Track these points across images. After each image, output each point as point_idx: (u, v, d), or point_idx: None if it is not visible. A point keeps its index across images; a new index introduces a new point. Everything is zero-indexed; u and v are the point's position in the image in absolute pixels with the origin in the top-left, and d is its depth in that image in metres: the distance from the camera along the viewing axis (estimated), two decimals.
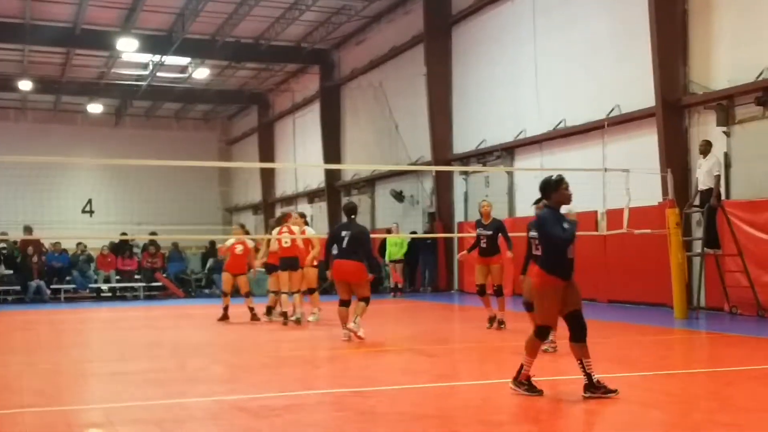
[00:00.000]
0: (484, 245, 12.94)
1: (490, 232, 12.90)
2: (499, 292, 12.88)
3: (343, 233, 11.74)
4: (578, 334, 7.00)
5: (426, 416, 6.23)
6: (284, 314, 14.45)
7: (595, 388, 6.79)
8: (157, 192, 35.19)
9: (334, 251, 11.73)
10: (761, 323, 13.35)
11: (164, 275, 26.01)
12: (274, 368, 9.39)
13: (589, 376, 6.86)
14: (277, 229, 14.71)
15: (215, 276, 26.08)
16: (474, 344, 11.64)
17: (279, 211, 36.79)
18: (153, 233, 25.23)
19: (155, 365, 9.79)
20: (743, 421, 6.00)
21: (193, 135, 41.34)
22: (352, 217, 12.13)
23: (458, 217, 23.58)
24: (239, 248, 15.54)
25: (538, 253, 7.41)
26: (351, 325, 11.48)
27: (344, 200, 29.70)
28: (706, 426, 5.98)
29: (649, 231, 15.12)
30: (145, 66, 31.17)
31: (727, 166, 15.19)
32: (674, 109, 15.96)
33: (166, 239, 28.24)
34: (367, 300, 11.63)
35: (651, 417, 6.40)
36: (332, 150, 30.86)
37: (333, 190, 31.13)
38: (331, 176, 31.08)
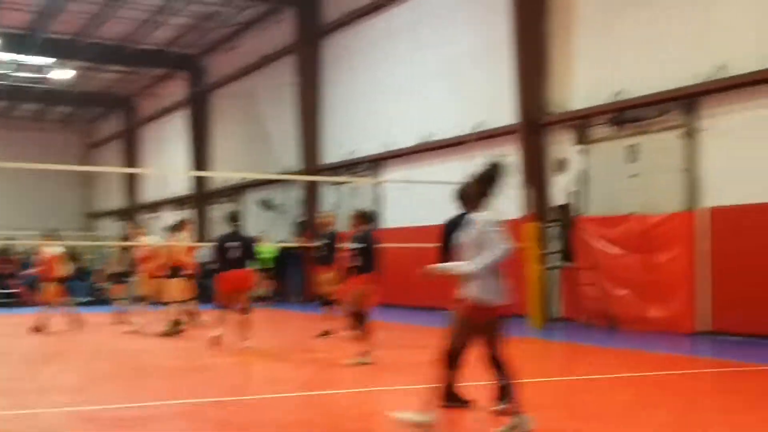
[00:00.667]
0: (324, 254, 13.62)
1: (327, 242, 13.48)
2: (332, 302, 13.29)
3: (234, 243, 11.81)
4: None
5: (287, 425, 6.21)
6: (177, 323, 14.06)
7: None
8: (15, 195, 33.65)
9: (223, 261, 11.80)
10: (611, 334, 13.99)
11: (19, 281, 24.88)
12: (132, 378, 9.15)
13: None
14: (183, 235, 14.47)
15: (74, 283, 25.14)
16: (339, 353, 11.68)
17: (143, 218, 35.90)
18: (9, 238, 24.05)
19: (3, 375, 9.35)
20: (588, 428, 6.27)
21: (53, 137, 39.73)
22: (238, 224, 12.31)
23: None
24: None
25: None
26: (247, 342, 11.55)
27: (213, 208, 29.31)
28: None
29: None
30: (3, 65, 29.80)
31: (583, 183, 15.87)
32: (534, 127, 16.56)
33: (24, 244, 27.03)
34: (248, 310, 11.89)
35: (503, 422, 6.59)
36: (200, 157, 30.38)
37: (201, 197, 30.62)
38: (200, 183, 30.59)
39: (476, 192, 5.98)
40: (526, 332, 14.37)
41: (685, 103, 13.91)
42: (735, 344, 12.35)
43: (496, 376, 5.94)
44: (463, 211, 6.91)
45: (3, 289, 24.49)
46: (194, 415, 6.99)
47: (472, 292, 5.77)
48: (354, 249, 10.11)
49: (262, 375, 9.62)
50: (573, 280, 15.71)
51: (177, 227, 14.97)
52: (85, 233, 38.96)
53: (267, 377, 9.28)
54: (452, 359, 5.96)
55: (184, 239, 14.62)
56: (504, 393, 6.10)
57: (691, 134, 13.90)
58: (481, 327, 5.84)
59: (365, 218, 10.51)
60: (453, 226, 7.00)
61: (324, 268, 13.49)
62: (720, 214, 13.38)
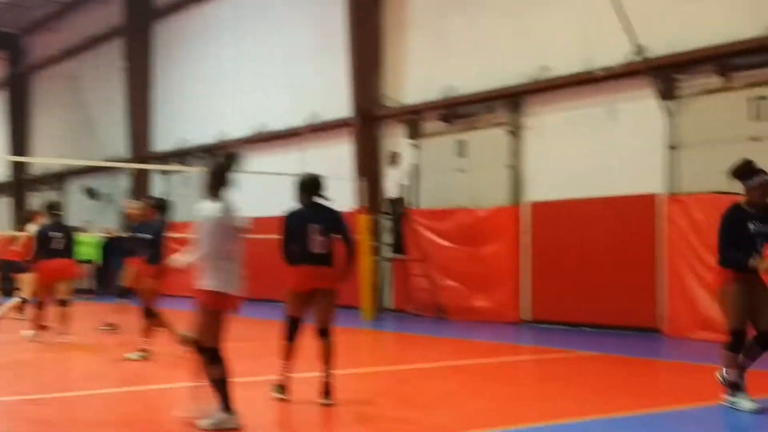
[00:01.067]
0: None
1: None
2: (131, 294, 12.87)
3: (58, 233, 11.25)
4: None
5: (105, 423, 5.97)
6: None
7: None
8: None
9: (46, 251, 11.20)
10: (440, 324, 14.37)
11: None
12: None
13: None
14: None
15: None
16: (160, 347, 11.36)
17: None
18: None
19: None
20: (413, 416, 6.40)
21: None
22: (59, 214, 11.72)
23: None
24: None
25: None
26: (68, 337, 11.10)
27: (33, 196, 27.80)
28: (381, 421, 6.31)
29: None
30: None
31: (415, 176, 16.20)
32: (368, 120, 16.74)
33: None
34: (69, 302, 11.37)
35: (336, 414, 6.63)
36: (19, 141, 28.75)
37: (19, 184, 28.99)
38: (18, 169, 28.95)
39: (210, 183, 6.04)
40: (357, 323, 14.53)
41: (511, 101, 14.47)
42: (553, 332, 12.97)
43: (207, 369, 5.78)
44: (306, 204, 6.97)
45: None
46: (10, 413, 6.60)
47: (204, 282, 5.76)
48: (143, 239, 9.75)
49: (81, 370, 9.22)
50: (404, 272, 16.03)
51: (29, 218, 13.93)
52: None
53: (86, 372, 8.91)
54: (213, 354, 5.79)
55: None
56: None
57: (515, 131, 14.47)
58: (219, 316, 5.81)
59: (157, 207, 10.06)
60: (295, 218, 7.00)
61: (131, 260, 12.74)
62: (540, 208, 14.02)
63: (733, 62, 11.70)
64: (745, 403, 6.39)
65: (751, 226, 6.42)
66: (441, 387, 7.91)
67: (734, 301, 6.40)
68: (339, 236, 6.96)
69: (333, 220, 6.97)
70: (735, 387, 6.49)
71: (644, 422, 6.21)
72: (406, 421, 6.18)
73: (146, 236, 9.73)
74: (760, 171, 6.62)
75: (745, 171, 6.70)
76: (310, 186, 7.09)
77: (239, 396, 5.82)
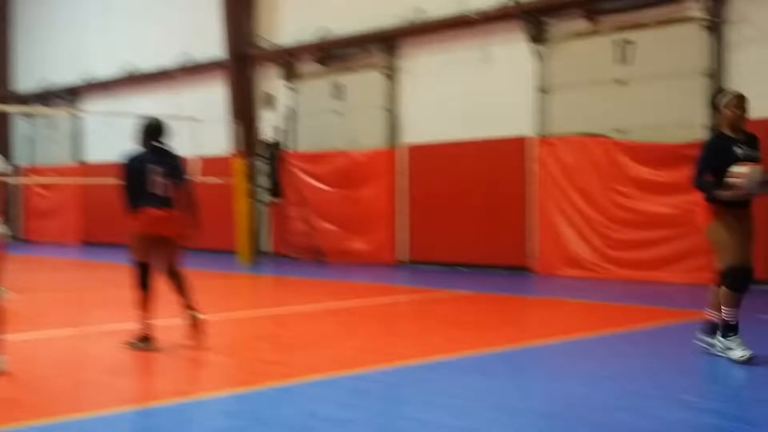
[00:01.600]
0: None
1: None
2: None
3: None
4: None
5: None
6: None
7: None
8: None
9: None
10: (318, 267, 14.39)
11: None
12: None
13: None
14: None
15: None
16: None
17: None
18: None
19: None
20: (288, 359, 6.40)
21: None
22: None
23: (21, 160, 21.92)
24: None
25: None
26: None
27: None
28: (257, 364, 6.29)
29: (217, 180, 15.43)
30: None
31: (292, 119, 16.01)
32: (242, 61, 16.35)
33: None
34: None
35: (208, 358, 6.55)
36: None
37: None
38: None
39: None
40: (234, 267, 14.39)
41: (386, 43, 14.42)
42: (430, 273, 13.21)
43: None
44: (147, 147, 6.82)
45: None
46: None
47: None
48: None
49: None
50: (282, 216, 15.92)
51: None
52: None
53: None
54: None
55: None
56: None
57: (391, 74, 14.46)
58: None
59: None
60: (136, 161, 6.92)
61: None
62: (416, 151, 14.12)
63: (600, 6, 12.01)
64: (737, 351, 5.89)
65: (738, 151, 5.98)
66: (318, 329, 7.93)
67: (726, 236, 5.96)
68: (178, 182, 6.85)
69: (174, 165, 6.88)
70: (731, 329, 5.98)
71: (516, 356, 6.41)
72: (281, 364, 6.17)
73: None
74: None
75: (716, 96, 6.36)
76: (152, 130, 6.97)
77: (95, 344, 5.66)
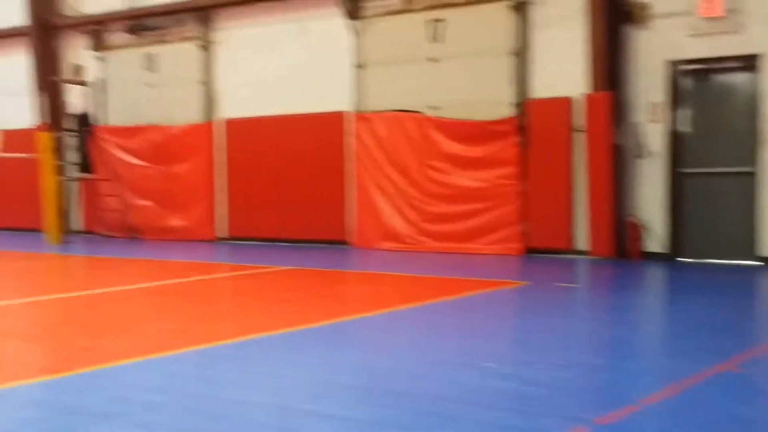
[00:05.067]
0: None
1: None
2: None
3: None
4: None
5: None
6: None
7: None
8: None
9: None
10: (133, 245, 13.98)
11: None
12: None
13: None
14: None
15: None
16: None
17: None
18: None
19: None
20: (94, 344, 6.21)
21: None
22: None
23: None
24: None
25: None
26: None
27: None
28: (64, 350, 6.07)
29: (21, 155, 14.64)
30: None
31: (101, 91, 15.37)
32: (47, 29, 15.52)
33: None
34: None
35: (13, 345, 6.25)
36: None
37: None
38: None
39: None
40: (42, 247, 13.74)
41: (201, 14, 14.11)
42: (249, 249, 13.15)
43: None
44: None
45: None
46: None
47: None
48: None
49: None
50: (93, 192, 15.31)
51: None
52: None
53: None
54: None
55: None
56: None
57: (206, 46, 14.17)
58: None
59: None
60: None
61: None
62: (233, 125, 13.96)
63: None
64: None
65: None
66: (131, 311, 7.73)
67: None
68: None
69: None
70: None
71: (331, 330, 6.52)
72: (90, 349, 5.99)
73: None
74: None
75: None
76: None
77: None
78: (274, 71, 13.48)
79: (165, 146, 14.52)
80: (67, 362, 5.62)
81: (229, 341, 6.10)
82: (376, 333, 6.57)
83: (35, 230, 15.17)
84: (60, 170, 14.79)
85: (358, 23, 12.72)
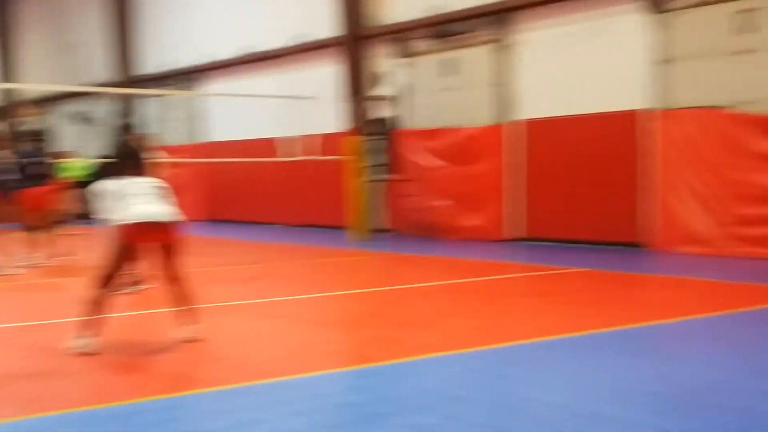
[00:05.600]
0: None
1: None
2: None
3: (36, 159, 11.35)
4: None
5: (104, 347, 6.05)
6: None
7: None
8: None
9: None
10: (431, 244, 14.49)
11: None
12: None
13: None
14: None
15: None
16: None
17: None
18: None
19: None
20: (404, 336, 6.52)
21: None
22: (42, 140, 11.82)
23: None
24: None
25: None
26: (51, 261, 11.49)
27: (22, 122, 27.52)
28: (373, 341, 6.43)
29: (331, 158, 15.72)
30: None
31: (405, 96, 16.10)
32: (357, 39, 16.54)
33: None
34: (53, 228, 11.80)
35: (326, 335, 6.76)
36: (5, 66, 28.33)
37: (7, 110, 28.67)
38: (5, 95, 28.58)
39: None
40: (348, 244, 14.64)
41: (499, 17, 14.29)
42: (543, 250, 13.11)
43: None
44: None
45: None
46: (6, 340, 6.71)
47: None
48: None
49: (68, 296, 9.27)
50: (394, 192, 16.08)
51: None
52: None
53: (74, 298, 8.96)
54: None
55: None
56: None
57: (504, 48, 14.34)
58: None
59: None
60: None
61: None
62: (534, 126, 13.99)
63: None
64: None
65: None
66: (432, 306, 8.04)
67: None
68: None
69: None
70: None
71: (632, 336, 6.35)
72: (398, 341, 6.30)
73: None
74: None
75: None
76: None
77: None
78: (572, 70, 13.34)
79: (461, 148, 14.90)
80: (377, 352, 5.96)
81: (526, 341, 6.15)
82: (683, 340, 6.29)
83: (342, 228, 16.22)
84: (365, 172, 15.71)
85: (660, 17, 12.22)
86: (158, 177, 6.60)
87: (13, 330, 7.13)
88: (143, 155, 7.41)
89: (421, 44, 15.70)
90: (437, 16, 15.13)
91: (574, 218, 13.33)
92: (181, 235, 6.28)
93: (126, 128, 22.67)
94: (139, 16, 22.84)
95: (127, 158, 6.52)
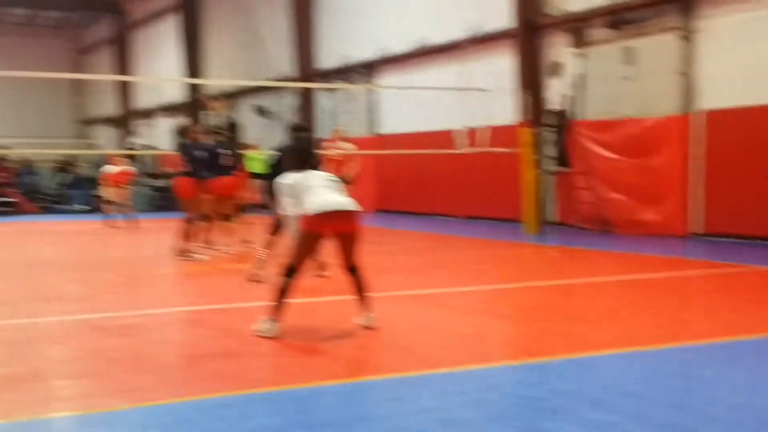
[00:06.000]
0: None
1: None
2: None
3: (226, 151, 12.00)
4: None
5: (284, 331, 6.35)
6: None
7: None
8: (6, 104, 33.27)
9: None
10: (605, 237, 14.17)
11: (15, 190, 24.94)
12: (132, 287, 9.32)
13: None
14: None
15: (71, 192, 25.27)
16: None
17: (136, 125, 35.67)
18: (3, 147, 24.07)
19: (7, 284, 9.51)
20: (580, 331, 6.44)
21: (44, 43, 39.11)
22: (222, 133, 12.49)
23: (322, 133, 23.56)
24: None
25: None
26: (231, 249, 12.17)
27: (207, 115, 29.08)
28: (547, 335, 6.38)
29: (505, 150, 15.64)
30: None
31: (580, 87, 15.78)
32: (531, 29, 16.36)
33: (18, 153, 27.00)
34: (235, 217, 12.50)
35: (499, 327, 6.78)
36: (193, 63, 29.99)
37: (194, 104, 30.36)
38: (193, 90, 30.29)
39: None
40: (520, 237, 14.56)
41: (682, 4, 13.72)
42: (725, 246, 12.53)
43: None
44: None
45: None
46: (195, 321, 7.16)
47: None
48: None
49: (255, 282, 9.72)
50: (568, 185, 15.81)
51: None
52: (79, 140, 38.86)
53: (261, 285, 9.39)
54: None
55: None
56: None
57: (687, 36, 13.76)
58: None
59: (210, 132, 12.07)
60: None
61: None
62: (715, 116, 13.37)
63: None
64: None
65: None
66: (607, 302, 7.88)
67: None
68: None
69: None
70: None
71: None
72: (573, 336, 6.24)
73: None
74: None
75: None
76: None
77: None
78: (760, 58, 12.63)
79: (640, 139, 14.43)
80: (551, 346, 5.92)
81: (708, 340, 5.93)
82: None
83: (515, 221, 16.13)
84: (538, 164, 15.54)
85: None
86: (343, 168, 6.89)
87: (204, 312, 7.59)
88: (318, 149, 7.69)
89: (598, 33, 15.32)
90: (616, 4, 14.71)
91: (758, 213, 12.62)
92: (361, 224, 6.47)
93: (301, 123, 23.52)
94: (318, 12, 23.54)
95: (303, 152, 6.76)
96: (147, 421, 4.25)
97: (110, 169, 18.59)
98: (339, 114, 22.61)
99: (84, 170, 28.02)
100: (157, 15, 33.14)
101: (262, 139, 23.67)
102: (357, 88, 21.67)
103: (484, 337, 6.35)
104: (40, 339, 6.35)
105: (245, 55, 26.90)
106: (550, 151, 16.03)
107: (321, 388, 4.83)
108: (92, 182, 25.51)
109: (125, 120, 36.30)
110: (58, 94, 38.32)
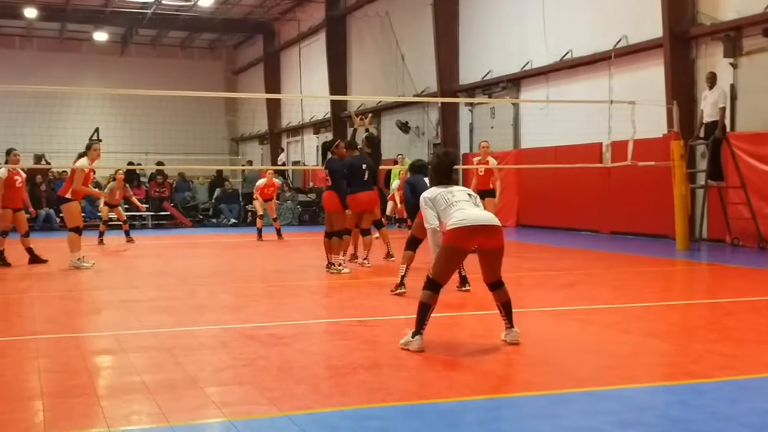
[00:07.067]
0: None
1: None
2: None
3: (365, 165, 12.04)
4: None
5: (428, 345, 6.36)
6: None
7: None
8: (164, 121, 34.90)
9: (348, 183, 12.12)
10: (762, 255, 13.48)
11: (172, 205, 26.17)
12: (280, 297, 9.57)
13: None
14: None
15: (222, 206, 26.27)
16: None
17: (284, 142, 36.80)
18: (160, 163, 25.31)
19: (164, 293, 9.97)
20: (740, 353, 6.13)
21: (198, 64, 41.09)
22: (360, 148, 12.63)
23: (463, 148, 23.59)
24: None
25: None
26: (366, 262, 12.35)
27: (350, 131, 29.63)
28: (706, 356, 6.12)
29: (653, 163, 15.16)
30: None
31: (733, 98, 15.12)
32: (681, 40, 15.82)
33: (173, 169, 28.34)
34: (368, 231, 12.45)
35: (652, 346, 6.55)
36: (338, 80, 30.67)
37: (339, 120, 31.04)
38: (337, 106, 30.95)
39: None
40: (671, 253, 14.04)
41: None
42: None
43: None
44: None
45: (158, 212, 25.77)
46: (341, 333, 7.28)
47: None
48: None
49: (402, 297, 9.78)
50: (721, 200, 15.12)
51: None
52: (231, 157, 40.41)
53: (407, 299, 9.43)
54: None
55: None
56: None
57: None
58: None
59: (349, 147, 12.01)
60: None
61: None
62: None
63: None
64: None
65: None
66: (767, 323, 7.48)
67: None
68: None
69: None
70: None
71: None
72: (732, 357, 5.95)
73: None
74: None
75: None
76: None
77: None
78: None
79: None
80: (709, 368, 5.68)
81: None
82: None
83: (663, 236, 15.56)
84: (690, 178, 14.95)
85: None
86: (488, 182, 6.88)
87: (348, 324, 7.71)
88: (456, 165, 7.66)
89: (754, 42, 14.63)
90: None
91: None
92: (504, 239, 6.42)
93: (447, 150, 23.61)
94: (462, 27, 23.61)
95: (442, 167, 6.76)
96: (297, 428, 4.34)
97: (260, 182, 19.30)
98: (482, 128, 22.56)
99: (235, 185, 29.06)
100: (306, 35, 34.12)
101: (401, 154, 23.98)
102: (498, 102, 21.56)
103: (636, 356, 6.14)
104: (197, 346, 6.61)
105: (388, 71, 27.27)
106: (702, 164, 15.39)
107: (466, 403, 4.81)
108: (243, 197, 26.49)
109: (275, 136, 37.50)
110: (212, 112, 39.97)
